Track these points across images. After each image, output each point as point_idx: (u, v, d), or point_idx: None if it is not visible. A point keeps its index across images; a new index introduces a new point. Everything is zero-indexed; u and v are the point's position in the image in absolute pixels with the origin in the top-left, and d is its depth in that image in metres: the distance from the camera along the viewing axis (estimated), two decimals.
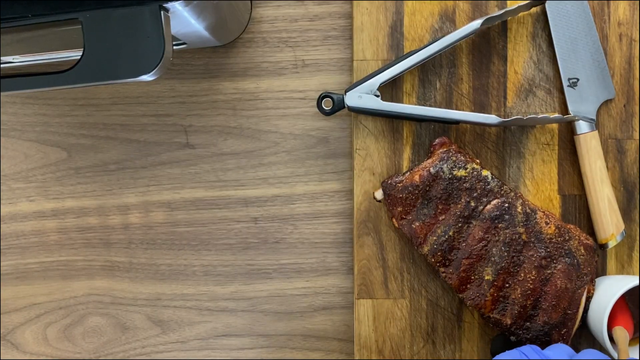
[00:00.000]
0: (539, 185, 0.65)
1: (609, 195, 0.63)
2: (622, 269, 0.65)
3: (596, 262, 0.63)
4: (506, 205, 0.61)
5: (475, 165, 0.62)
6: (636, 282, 0.59)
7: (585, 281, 0.62)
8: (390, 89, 0.65)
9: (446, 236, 0.62)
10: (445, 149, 0.62)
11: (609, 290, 0.60)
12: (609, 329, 0.59)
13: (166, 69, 0.44)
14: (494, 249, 0.61)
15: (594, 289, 0.62)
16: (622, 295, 0.59)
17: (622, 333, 0.57)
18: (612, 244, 0.63)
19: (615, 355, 0.58)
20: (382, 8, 0.64)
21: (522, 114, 0.64)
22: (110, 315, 0.70)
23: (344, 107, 0.63)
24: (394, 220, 0.63)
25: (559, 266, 0.61)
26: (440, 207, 0.62)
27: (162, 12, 0.43)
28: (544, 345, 0.61)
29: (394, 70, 0.62)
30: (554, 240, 0.61)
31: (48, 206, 0.69)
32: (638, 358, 0.59)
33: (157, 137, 0.68)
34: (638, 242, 0.65)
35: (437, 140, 0.63)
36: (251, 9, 0.66)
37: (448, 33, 0.62)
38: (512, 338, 0.63)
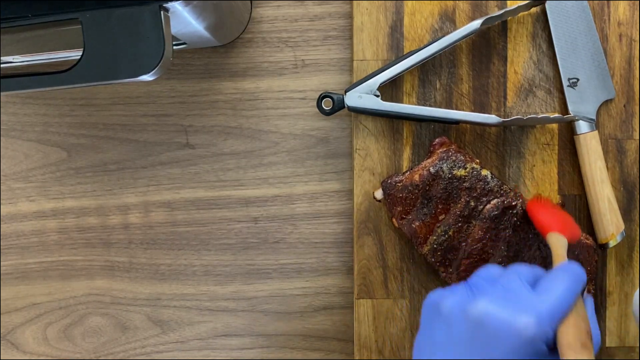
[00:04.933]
0: (539, 185, 0.65)
1: (609, 195, 0.63)
2: (622, 269, 0.65)
3: (596, 262, 0.63)
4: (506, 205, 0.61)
5: (475, 165, 0.62)
6: None
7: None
8: (390, 89, 0.65)
9: (446, 236, 0.62)
10: (445, 149, 0.62)
11: None
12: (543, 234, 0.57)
13: (166, 69, 0.44)
14: (493, 249, 0.61)
15: (593, 289, 0.62)
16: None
17: (556, 240, 0.55)
18: (612, 244, 0.63)
19: None
20: (382, 8, 0.64)
21: (522, 114, 0.64)
22: (110, 315, 0.70)
23: (344, 107, 0.63)
24: (394, 220, 0.63)
25: None
26: (440, 206, 0.62)
27: (162, 12, 0.43)
28: None
29: (394, 70, 0.62)
30: None
31: (48, 206, 0.69)
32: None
33: (157, 137, 0.68)
34: (638, 242, 0.65)
35: (436, 140, 0.63)
36: (251, 9, 0.66)
37: (448, 33, 0.62)
38: None
